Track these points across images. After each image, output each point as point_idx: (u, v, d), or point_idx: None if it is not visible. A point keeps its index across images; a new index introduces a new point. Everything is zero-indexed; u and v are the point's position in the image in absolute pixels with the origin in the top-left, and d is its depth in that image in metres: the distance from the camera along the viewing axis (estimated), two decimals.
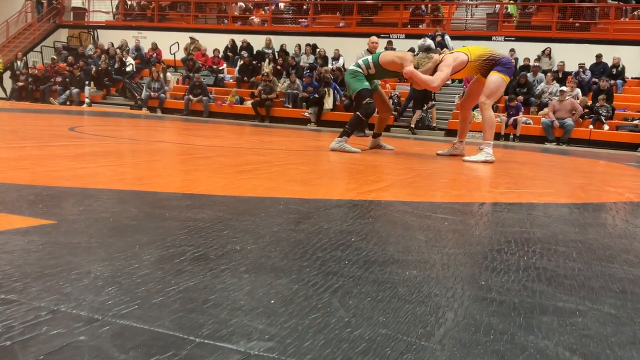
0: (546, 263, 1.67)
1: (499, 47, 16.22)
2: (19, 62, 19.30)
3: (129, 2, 22.93)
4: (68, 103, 17.37)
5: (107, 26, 21.79)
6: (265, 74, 15.80)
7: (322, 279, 1.35)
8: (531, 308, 1.26)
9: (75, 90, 17.43)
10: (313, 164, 4.45)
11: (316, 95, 14.46)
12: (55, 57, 19.44)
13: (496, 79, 5.65)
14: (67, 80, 17.69)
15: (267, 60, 17.36)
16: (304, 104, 14.70)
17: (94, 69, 17.68)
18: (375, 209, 2.43)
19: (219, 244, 1.61)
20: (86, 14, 22.45)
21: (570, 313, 1.24)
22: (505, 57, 5.79)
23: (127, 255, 1.43)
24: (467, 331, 1.10)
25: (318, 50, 16.97)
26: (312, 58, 16.92)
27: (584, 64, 14.79)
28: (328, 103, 14.61)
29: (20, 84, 18.26)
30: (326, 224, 1.98)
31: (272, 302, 1.18)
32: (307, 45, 17.35)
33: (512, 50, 15.83)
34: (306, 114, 14.43)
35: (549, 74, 14.57)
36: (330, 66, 16.28)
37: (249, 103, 15.63)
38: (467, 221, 2.27)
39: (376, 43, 9.78)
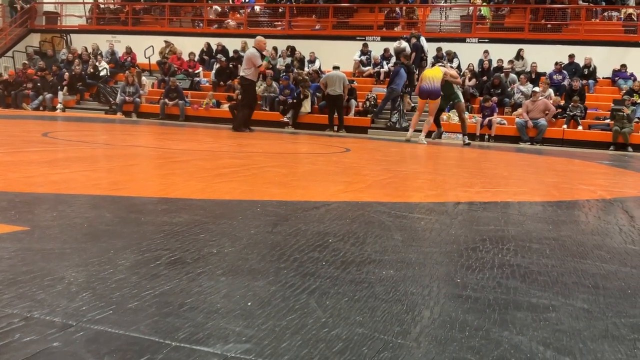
0: (520, 260, 1.70)
1: (473, 49, 16.50)
2: None
3: (102, 6, 22.67)
4: (41, 108, 17.10)
5: (81, 30, 21.52)
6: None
7: (299, 280, 1.35)
8: (505, 304, 1.27)
9: (48, 96, 17.17)
10: (291, 166, 4.45)
11: (293, 100, 14.46)
12: (27, 62, 19.13)
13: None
14: (40, 85, 17.42)
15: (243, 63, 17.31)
16: (281, 107, 14.69)
17: (66, 74, 17.43)
18: (352, 210, 2.44)
19: (195, 247, 1.60)
20: (59, 18, 22.13)
21: (543, 308, 1.26)
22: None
23: (102, 260, 1.41)
24: (443, 328, 1.11)
25: (295, 53, 16.98)
26: (288, 60, 16.91)
27: (562, 63, 15.02)
28: (306, 106, 14.62)
29: None
30: (303, 226, 1.98)
31: (249, 304, 1.17)
32: (287, 47, 17.33)
33: (486, 51, 16.01)
34: (285, 119, 14.44)
35: (522, 76, 14.78)
36: (306, 69, 16.31)
37: (225, 106, 15.56)
38: (443, 220, 2.29)
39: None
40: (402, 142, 9.76)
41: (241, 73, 10.71)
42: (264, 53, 10.66)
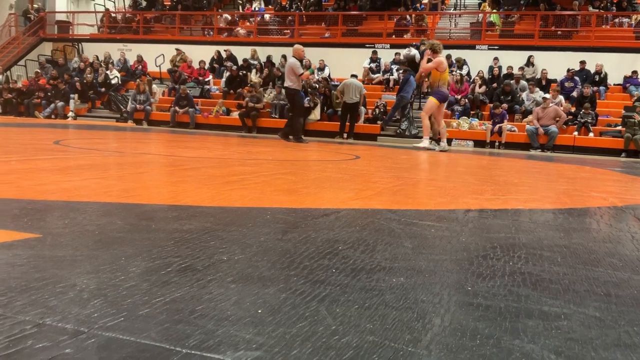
0: (531, 268, 1.69)
1: (483, 56, 16.47)
2: (0, 77, 19.15)
3: (113, 15, 22.88)
4: (53, 116, 17.25)
5: (92, 39, 21.72)
6: (252, 85, 15.82)
7: (309, 288, 1.35)
8: (517, 312, 1.27)
9: (60, 104, 17.32)
10: (300, 173, 4.46)
11: (310, 104, 14.49)
12: (39, 70, 19.33)
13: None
14: (52, 93, 17.59)
15: (253, 71, 17.38)
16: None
17: (78, 82, 17.58)
18: (362, 218, 2.43)
19: (205, 254, 1.61)
20: (71, 27, 22.35)
21: (555, 317, 1.25)
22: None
23: (113, 267, 1.42)
24: (454, 336, 1.10)
25: (304, 60, 17.03)
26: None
27: (573, 69, 14.96)
28: (315, 114, 14.66)
29: (5, 97, 18.12)
30: (313, 233, 1.99)
31: (260, 311, 1.17)
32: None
33: (496, 58, 15.98)
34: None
35: (531, 83, 14.73)
36: (315, 76, 16.34)
37: (235, 114, 15.63)
38: (453, 228, 2.29)
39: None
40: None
41: (285, 84, 10.74)
42: (304, 61, 10.63)
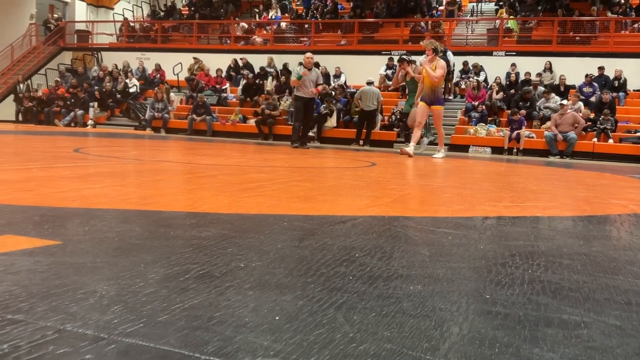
0: (551, 276, 1.67)
1: (500, 62, 16.39)
2: (21, 85, 19.49)
3: (132, 25, 23.17)
4: (72, 124, 17.49)
5: (111, 48, 22.01)
6: (268, 92, 15.90)
7: (326, 295, 1.36)
8: (536, 321, 1.25)
9: (79, 112, 17.56)
10: (316, 181, 4.46)
11: (324, 111, 14.51)
12: (58, 79, 19.62)
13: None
14: (71, 102, 17.84)
15: (270, 79, 17.48)
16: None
17: (97, 91, 17.81)
18: (379, 225, 2.43)
19: (223, 261, 1.62)
20: (90, 36, 22.68)
21: (575, 325, 1.24)
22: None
23: (132, 274, 1.44)
24: (472, 345, 1.10)
25: (320, 68, 17.07)
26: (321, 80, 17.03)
27: (592, 75, 14.82)
28: (332, 121, 14.68)
29: (25, 105, 18.42)
30: (330, 240, 1.99)
31: (277, 318, 1.18)
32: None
33: (514, 64, 15.89)
34: (310, 133, 14.52)
35: (545, 90, 14.61)
36: (332, 84, 16.38)
37: (252, 121, 15.71)
38: (471, 235, 2.27)
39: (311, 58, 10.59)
40: (429, 155, 9.67)
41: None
42: (303, 68, 10.60)
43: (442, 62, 9.31)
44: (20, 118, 18.83)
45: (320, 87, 11.04)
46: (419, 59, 15.93)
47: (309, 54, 10.72)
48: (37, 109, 18.33)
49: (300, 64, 10.99)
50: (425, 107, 9.32)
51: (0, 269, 1.42)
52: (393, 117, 14.53)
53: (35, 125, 16.98)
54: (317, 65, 17.28)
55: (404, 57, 10.99)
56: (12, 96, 19.53)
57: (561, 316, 1.30)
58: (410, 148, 9.23)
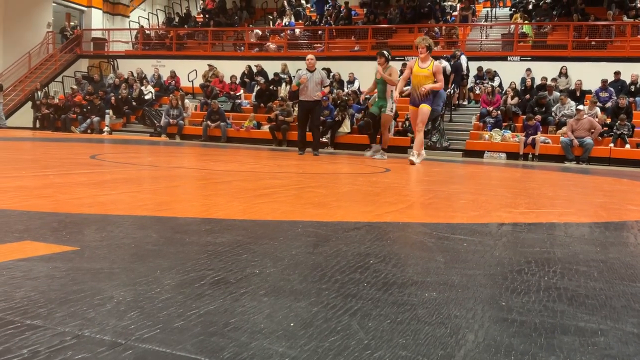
0: (567, 283, 1.66)
1: (515, 67, 16.31)
2: (39, 93, 19.75)
3: (147, 32, 23.40)
4: (89, 131, 17.68)
5: (127, 55, 22.24)
6: (282, 99, 15.95)
7: (341, 301, 1.36)
8: (552, 328, 1.25)
9: (95, 119, 17.74)
10: (330, 187, 4.47)
11: (336, 118, 14.52)
12: (75, 86, 19.85)
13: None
14: (87, 109, 18.04)
15: (283, 85, 17.54)
16: (320, 127, 14.79)
17: (113, 98, 18.00)
18: (393, 231, 2.43)
19: (238, 267, 1.62)
20: (106, 44, 22.94)
21: (592, 333, 1.23)
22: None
23: (149, 280, 1.45)
24: (488, 352, 1.09)
25: (333, 74, 17.10)
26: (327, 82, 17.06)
27: (607, 80, 14.70)
28: (345, 127, 14.68)
29: (43, 112, 18.66)
30: (344, 247, 1.99)
31: (292, 325, 1.18)
32: (323, 69, 17.50)
33: (529, 69, 15.80)
34: (323, 139, 14.54)
35: (562, 95, 14.51)
36: (345, 89, 16.40)
37: (266, 127, 15.77)
38: (486, 242, 2.26)
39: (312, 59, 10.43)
40: (443, 161, 9.64)
41: None
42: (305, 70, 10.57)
43: (439, 65, 8.82)
44: (37, 125, 19.07)
45: (326, 90, 10.95)
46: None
47: (309, 56, 10.67)
48: (54, 116, 18.55)
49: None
50: (416, 111, 8.69)
51: (19, 274, 1.44)
52: (407, 122, 14.50)
53: (52, 132, 17.18)
54: (328, 71, 17.34)
55: (384, 51, 10.71)
56: (29, 103, 19.80)
57: (578, 323, 1.29)
58: (420, 156, 8.69)
